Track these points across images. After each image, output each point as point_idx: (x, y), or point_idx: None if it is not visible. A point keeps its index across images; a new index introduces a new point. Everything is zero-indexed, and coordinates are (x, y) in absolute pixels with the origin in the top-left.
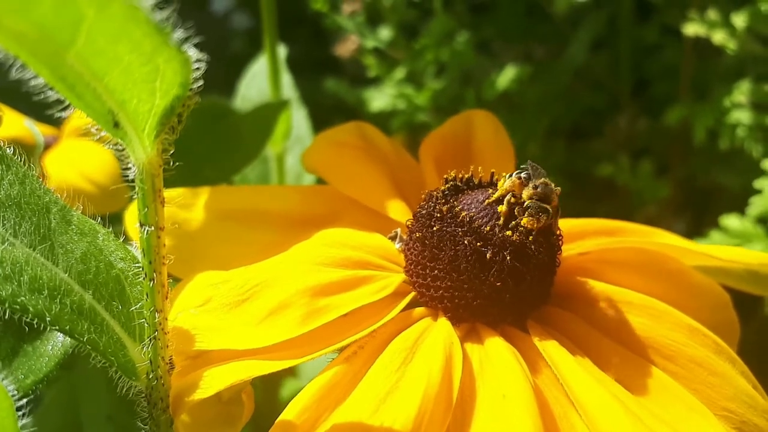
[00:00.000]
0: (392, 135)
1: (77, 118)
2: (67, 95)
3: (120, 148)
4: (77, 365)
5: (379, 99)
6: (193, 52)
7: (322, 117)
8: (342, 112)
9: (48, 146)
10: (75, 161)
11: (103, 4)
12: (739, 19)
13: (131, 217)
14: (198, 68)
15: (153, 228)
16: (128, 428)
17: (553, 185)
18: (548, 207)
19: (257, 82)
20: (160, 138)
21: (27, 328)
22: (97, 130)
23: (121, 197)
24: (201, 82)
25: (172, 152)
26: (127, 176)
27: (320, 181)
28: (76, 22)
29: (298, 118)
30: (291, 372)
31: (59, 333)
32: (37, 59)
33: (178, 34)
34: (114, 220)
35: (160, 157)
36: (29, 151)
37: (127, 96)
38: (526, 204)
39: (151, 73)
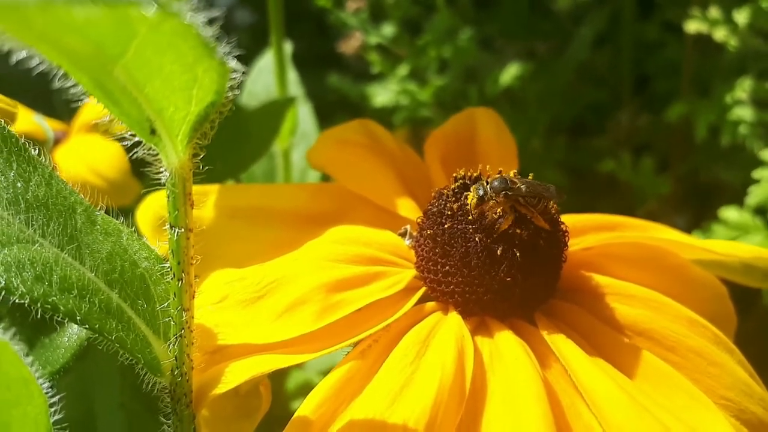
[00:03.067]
0: (395, 130)
1: (86, 114)
2: (105, 103)
3: (153, 152)
4: (90, 355)
5: (383, 95)
6: (232, 62)
7: (326, 112)
8: (345, 108)
9: (57, 141)
10: (84, 156)
11: (156, 22)
12: (741, 16)
13: (143, 215)
14: (234, 77)
15: (183, 230)
16: (140, 417)
17: (509, 181)
18: (484, 189)
19: (263, 78)
20: (192, 143)
21: (44, 321)
22: (131, 135)
23: (130, 192)
24: (237, 91)
25: (202, 156)
26: (159, 180)
27: (325, 177)
28: (129, 38)
29: (303, 113)
30: (297, 364)
31: (75, 325)
32: (82, 71)
33: (222, 46)
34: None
35: (191, 161)
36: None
37: (164, 104)
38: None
39: (190, 81)
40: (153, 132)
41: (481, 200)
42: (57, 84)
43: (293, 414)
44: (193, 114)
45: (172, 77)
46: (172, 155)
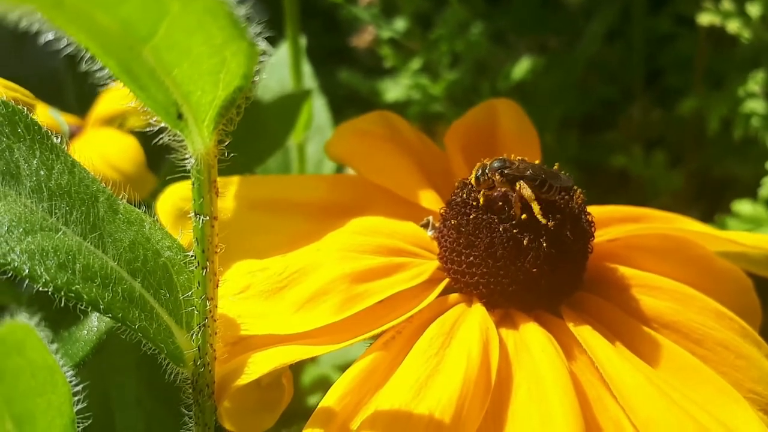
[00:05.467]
0: None
1: (102, 107)
2: (131, 87)
3: (179, 138)
4: (106, 349)
5: (395, 89)
6: (262, 44)
7: (336, 107)
8: (355, 103)
9: (73, 135)
10: (100, 149)
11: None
12: (754, 8)
13: (163, 206)
14: (262, 61)
15: (208, 218)
16: (157, 412)
17: (507, 162)
18: (482, 170)
19: (277, 72)
20: (218, 129)
21: (62, 315)
22: (156, 121)
23: (146, 184)
24: (264, 75)
25: (227, 143)
26: (184, 167)
27: (340, 169)
28: (160, 17)
29: (317, 107)
30: (311, 358)
31: (94, 318)
32: (109, 54)
33: (253, 27)
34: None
35: (216, 148)
36: None
37: (192, 87)
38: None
39: (218, 64)
40: (180, 117)
41: (477, 180)
42: (68, 77)
43: (309, 408)
44: (220, 98)
45: (200, 60)
46: (198, 141)
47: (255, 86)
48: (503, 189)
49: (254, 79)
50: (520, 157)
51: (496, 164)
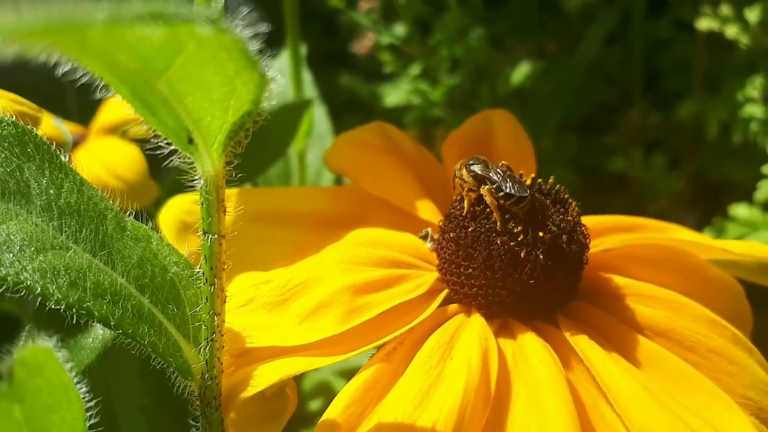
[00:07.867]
0: (406, 129)
1: (104, 117)
2: (143, 113)
3: (189, 160)
4: (110, 356)
5: (394, 94)
6: (271, 73)
7: (336, 112)
8: (354, 108)
9: (76, 144)
10: (103, 158)
11: (204, 38)
12: (752, 14)
13: (165, 219)
14: (271, 87)
15: (216, 236)
16: (161, 420)
17: (477, 161)
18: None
19: (278, 81)
20: (227, 151)
21: (68, 324)
22: (167, 143)
23: (148, 193)
24: (273, 101)
25: (235, 164)
26: (192, 186)
27: (339, 177)
28: (176, 53)
29: (318, 116)
30: None
31: (99, 327)
32: (124, 84)
33: (264, 60)
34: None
35: (224, 169)
36: None
37: (202, 114)
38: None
39: (228, 92)
40: (190, 141)
41: (454, 178)
42: (69, 85)
43: (310, 413)
44: (229, 123)
45: (212, 89)
46: (208, 164)
47: (263, 110)
48: (469, 187)
49: (262, 103)
50: (505, 163)
51: (470, 162)
